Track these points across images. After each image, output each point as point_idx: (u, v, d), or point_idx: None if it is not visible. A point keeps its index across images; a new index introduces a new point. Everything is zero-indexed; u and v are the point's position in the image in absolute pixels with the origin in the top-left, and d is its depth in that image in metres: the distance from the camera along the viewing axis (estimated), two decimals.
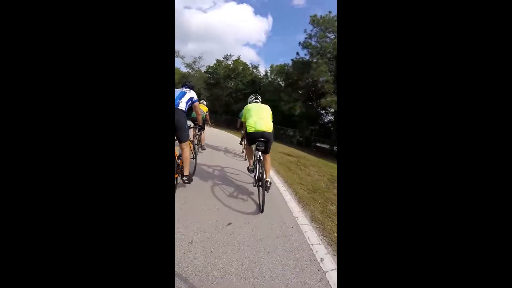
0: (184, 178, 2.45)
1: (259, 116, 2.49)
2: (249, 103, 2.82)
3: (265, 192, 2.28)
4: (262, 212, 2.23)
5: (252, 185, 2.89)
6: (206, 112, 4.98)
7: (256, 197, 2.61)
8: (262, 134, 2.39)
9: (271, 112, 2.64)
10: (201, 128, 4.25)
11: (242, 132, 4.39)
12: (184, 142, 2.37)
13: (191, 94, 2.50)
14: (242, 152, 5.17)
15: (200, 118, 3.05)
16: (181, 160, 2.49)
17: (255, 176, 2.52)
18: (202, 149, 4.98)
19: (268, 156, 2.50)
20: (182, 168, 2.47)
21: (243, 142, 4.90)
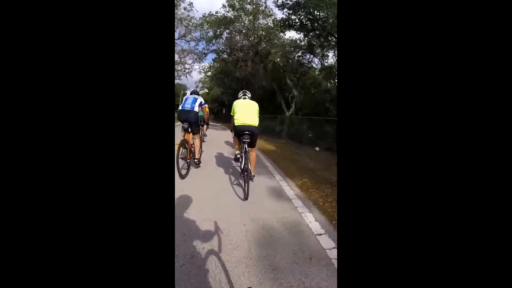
0: (195, 160, 3.49)
1: (246, 111, 2.80)
2: (238, 98, 3.08)
3: (250, 181, 2.61)
4: (246, 199, 2.54)
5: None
6: (208, 113, 6.70)
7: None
8: (248, 127, 2.71)
9: (258, 108, 2.95)
10: (207, 124, 5.56)
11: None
12: (196, 134, 3.30)
13: (200, 99, 3.43)
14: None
15: (207, 117, 4.11)
16: (193, 147, 3.37)
17: (241, 167, 2.81)
18: (205, 136, 6.59)
19: (253, 150, 2.86)
20: (195, 153, 3.37)
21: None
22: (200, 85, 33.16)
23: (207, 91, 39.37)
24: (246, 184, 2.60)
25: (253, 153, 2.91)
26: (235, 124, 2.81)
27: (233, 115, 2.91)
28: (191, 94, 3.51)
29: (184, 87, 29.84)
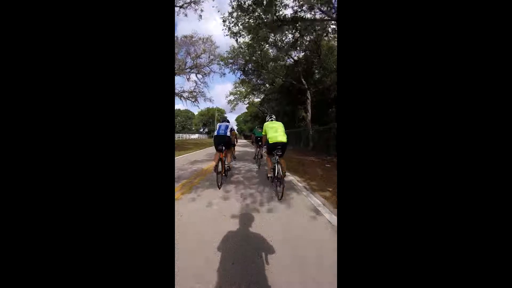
0: (226, 165, 4.37)
1: (277, 131, 3.64)
2: (267, 121, 3.97)
3: (283, 185, 3.22)
4: (280, 199, 3.14)
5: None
6: (235, 135, 7.94)
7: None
8: (279, 143, 3.51)
9: (283, 126, 3.77)
10: (234, 145, 6.81)
11: (253, 143, 7.06)
12: (228, 149, 4.41)
13: (230, 125, 4.39)
14: (254, 158, 7.43)
15: (234, 138, 5.11)
16: (226, 159, 4.42)
17: (274, 174, 3.51)
18: (234, 158, 7.54)
19: (282, 159, 3.53)
20: (225, 164, 4.33)
21: (257, 156, 6.99)
22: (232, 98, 26.95)
23: (245, 110, 40.14)
24: (279, 187, 3.26)
25: (282, 160, 3.54)
26: (270, 142, 3.58)
27: (265, 135, 3.74)
28: (222, 121, 4.47)
29: (222, 111, 29.71)
